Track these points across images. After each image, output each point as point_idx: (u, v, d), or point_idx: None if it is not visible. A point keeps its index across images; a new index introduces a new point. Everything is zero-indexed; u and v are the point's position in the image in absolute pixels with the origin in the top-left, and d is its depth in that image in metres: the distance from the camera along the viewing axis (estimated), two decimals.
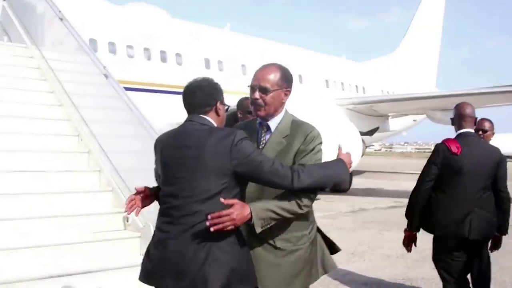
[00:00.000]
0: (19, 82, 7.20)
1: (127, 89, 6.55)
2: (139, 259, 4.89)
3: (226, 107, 2.83)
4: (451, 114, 4.54)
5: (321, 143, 2.80)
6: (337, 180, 2.71)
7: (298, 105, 11.81)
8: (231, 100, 3.46)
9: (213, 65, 15.53)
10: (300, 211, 2.66)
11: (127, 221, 5.40)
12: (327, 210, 12.05)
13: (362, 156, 14.62)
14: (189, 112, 2.77)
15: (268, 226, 2.60)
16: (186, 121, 2.74)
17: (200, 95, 2.72)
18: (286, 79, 2.86)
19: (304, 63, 19.17)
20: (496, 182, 4.34)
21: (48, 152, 6.04)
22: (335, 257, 3.01)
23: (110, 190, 5.77)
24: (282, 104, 2.86)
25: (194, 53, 15.28)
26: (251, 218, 2.52)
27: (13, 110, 6.55)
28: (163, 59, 14.42)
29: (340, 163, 2.73)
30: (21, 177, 5.50)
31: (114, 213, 5.52)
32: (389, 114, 19.56)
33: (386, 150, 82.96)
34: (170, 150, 2.66)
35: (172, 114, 12.39)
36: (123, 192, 5.61)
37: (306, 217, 2.82)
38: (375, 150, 73.11)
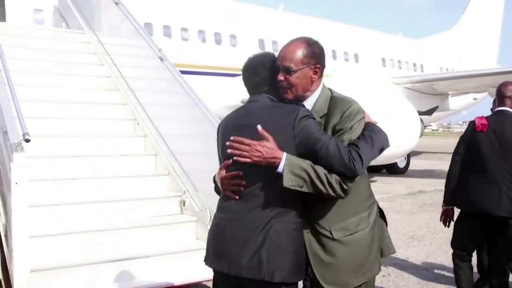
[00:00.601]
0: (77, 68, 7.32)
1: (182, 72, 6.54)
2: (196, 243, 4.97)
3: None
4: None
5: (362, 118, 2.54)
6: (382, 150, 2.56)
7: (353, 85, 11.66)
8: None
9: (267, 45, 15.39)
10: (338, 191, 2.38)
11: (184, 205, 5.42)
12: (384, 193, 11.84)
13: (420, 136, 14.23)
14: (250, 90, 2.66)
15: (298, 188, 2.35)
16: (249, 101, 2.63)
17: (263, 73, 2.60)
18: (314, 55, 2.55)
19: (359, 42, 18.78)
20: None
21: (105, 136, 6.11)
22: (393, 241, 2.89)
23: (167, 174, 5.79)
24: (312, 82, 2.57)
25: (248, 34, 15.19)
26: (277, 167, 2.33)
27: (71, 95, 6.67)
28: (218, 41, 14.41)
29: (380, 131, 2.57)
30: (78, 162, 5.59)
31: (170, 197, 5.55)
32: (449, 93, 19.00)
33: (443, 130, 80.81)
34: (233, 130, 2.54)
35: (227, 96, 12.43)
36: (180, 176, 5.63)
37: (362, 197, 2.62)
38: (432, 130, 71.40)
